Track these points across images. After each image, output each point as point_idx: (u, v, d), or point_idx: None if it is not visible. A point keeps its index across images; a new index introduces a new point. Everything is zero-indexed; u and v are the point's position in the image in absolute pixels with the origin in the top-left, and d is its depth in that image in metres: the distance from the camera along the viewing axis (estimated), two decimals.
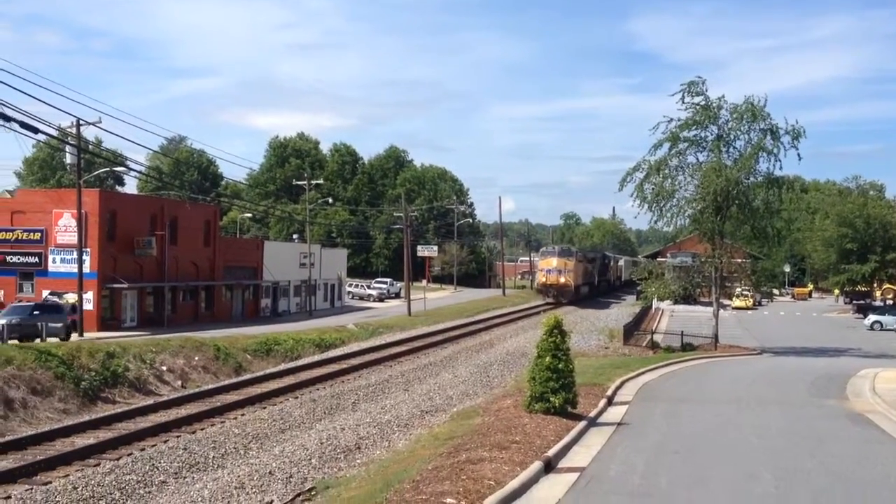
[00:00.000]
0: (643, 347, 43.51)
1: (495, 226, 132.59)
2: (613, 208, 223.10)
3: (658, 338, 46.16)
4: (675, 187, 42.59)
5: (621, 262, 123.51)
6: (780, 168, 42.42)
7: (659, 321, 62.00)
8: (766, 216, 43.35)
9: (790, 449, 15.66)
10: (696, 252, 50.02)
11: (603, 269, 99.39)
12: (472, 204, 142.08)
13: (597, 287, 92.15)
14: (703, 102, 41.67)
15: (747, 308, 79.17)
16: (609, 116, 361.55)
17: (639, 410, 20.26)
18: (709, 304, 47.36)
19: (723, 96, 42.08)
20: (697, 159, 42.95)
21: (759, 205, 43.11)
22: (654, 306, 68.76)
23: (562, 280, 74.04)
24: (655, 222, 44.07)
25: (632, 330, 48.60)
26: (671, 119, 41.86)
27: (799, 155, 41.78)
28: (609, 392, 22.51)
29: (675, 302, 63.95)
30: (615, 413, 19.77)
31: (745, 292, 74.55)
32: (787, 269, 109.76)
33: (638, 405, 21.17)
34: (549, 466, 13.50)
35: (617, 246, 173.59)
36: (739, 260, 47.59)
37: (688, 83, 41.80)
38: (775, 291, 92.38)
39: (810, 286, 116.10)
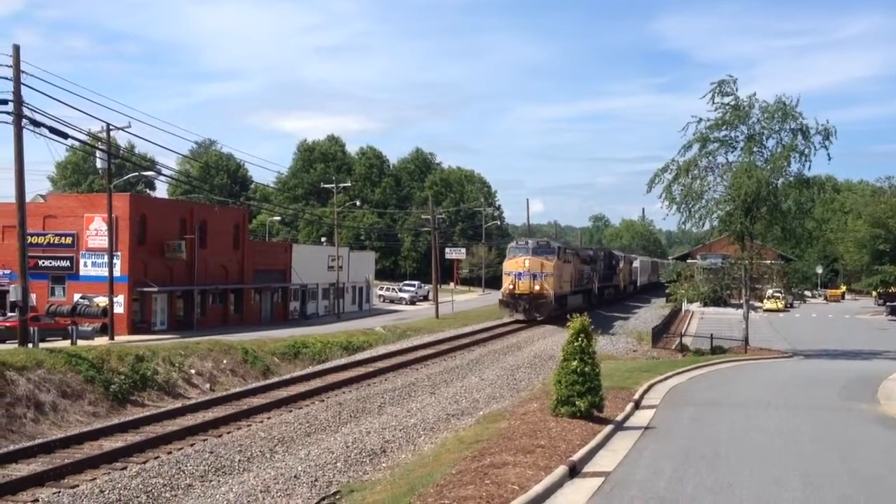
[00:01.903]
0: (672, 350, 43.24)
1: (523, 228, 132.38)
2: (643, 210, 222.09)
3: (687, 340, 45.85)
4: (704, 188, 42.28)
5: (636, 264, 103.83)
6: (810, 168, 42.05)
7: (688, 324, 61.54)
8: (798, 217, 42.91)
9: (819, 454, 15.42)
10: (727, 254, 49.62)
11: (608, 272, 79.00)
12: (499, 206, 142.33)
13: (598, 296, 72.22)
14: (733, 102, 41.31)
15: (778, 310, 78.31)
16: (636, 117, 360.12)
17: (666, 414, 20.05)
18: (739, 306, 46.91)
19: (754, 94, 41.69)
20: (727, 160, 42.63)
21: (791, 206, 42.70)
22: (683, 308, 68.26)
23: (536, 287, 53.34)
24: (684, 223, 43.76)
25: (660, 332, 48.32)
26: (700, 119, 41.59)
27: (829, 155, 41.42)
28: (636, 396, 22.31)
29: (705, 304, 63.61)
30: (642, 417, 19.58)
31: (776, 294, 73.84)
32: (819, 270, 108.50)
33: (666, 409, 20.96)
34: (574, 471, 13.38)
35: (646, 248, 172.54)
36: (770, 261, 47.16)
37: (718, 83, 41.45)
38: (807, 293, 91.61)
39: (843, 288, 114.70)
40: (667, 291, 61.19)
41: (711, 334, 43.88)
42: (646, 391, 23.89)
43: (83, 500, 15.22)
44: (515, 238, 63.14)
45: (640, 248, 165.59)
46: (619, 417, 18.65)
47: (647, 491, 12.26)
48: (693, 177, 42.22)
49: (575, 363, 17.41)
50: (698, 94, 42.36)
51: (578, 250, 69.97)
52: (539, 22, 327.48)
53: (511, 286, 54.22)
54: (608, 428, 17.07)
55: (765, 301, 75.38)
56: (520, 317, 54.37)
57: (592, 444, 15.30)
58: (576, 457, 13.98)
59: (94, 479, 16.54)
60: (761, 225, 43.26)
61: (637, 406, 21.07)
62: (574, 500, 11.74)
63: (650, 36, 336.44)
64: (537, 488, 11.86)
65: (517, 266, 54.39)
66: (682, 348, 42.99)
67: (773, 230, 44.15)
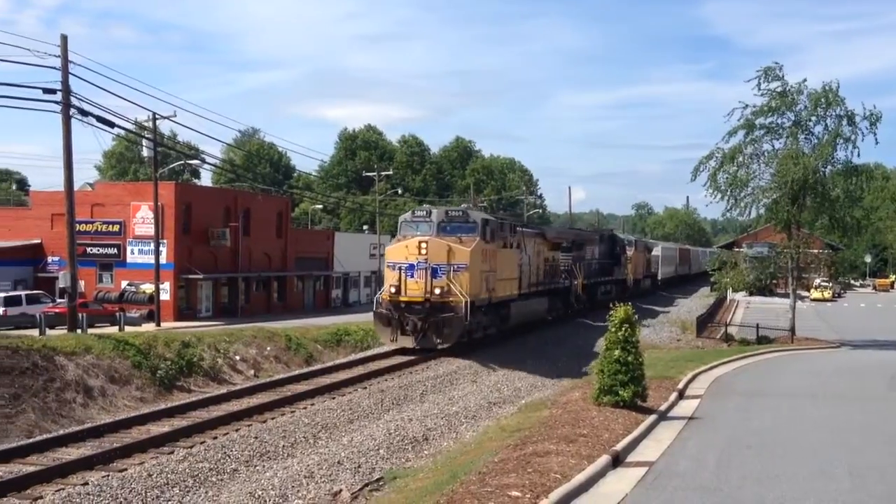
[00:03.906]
0: (717, 340, 42.85)
1: (566, 216, 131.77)
2: (687, 198, 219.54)
3: (733, 330, 45.38)
4: (749, 176, 41.77)
5: (657, 251, 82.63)
6: (858, 155, 41.32)
7: (734, 313, 60.85)
8: (846, 206, 42.23)
9: (867, 445, 15.20)
10: (773, 242, 48.96)
11: (607, 262, 56.26)
12: (541, 194, 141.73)
13: (585, 297, 49.11)
14: (779, 88, 40.76)
15: (826, 300, 77.12)
16: (680, 104, 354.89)
17: (711, 404, 19.90)
18: (786, 295, 46.28)
19: (804, 81, 41.07)
20: (773, 147, 42.06)
21: (839, 194, 42.03)
22: (728, 298, 67.49)
23: (436, 291, 30.40)
24: (729, 211, 43.27)
25: (705, 322, 47.82)
26: (746, 105, 41.04)
27: (876, 140, 40.68)
28: (680, 385, 22.15)
29: (751, 293, 62.80)
30: (686, 407, 19.46)
31: (823, 283, 72.78)
32: (868, 259, 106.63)
33: (710, 399, 20.79)
34: (617, 460, 13.34)
35: (690, 236, 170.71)
36: (817, 250, 46.46)
37: (764, 69, 40.94)
38: (854, 282, 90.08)
39: (892, 277, 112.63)
40: (711, 280, 60.31)
41: (757, 324, 43.42)
42: (690, 381, 23.71)
43: (132, 483, 15.47)
44: (416, 210, 35.39)
45: (684, 236, 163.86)
46: (663, 407, 18.54)
47: (692, 481, 12.18)
48: (738, 164, 41.75)
49: (618, 352, 17.35)
50: (743, 81, 41.66)
51: (545, 230, 47.12)
52: (580, 8, 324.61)
53: (394, 288, 30.89)
54: (652, 417, 16.98)
55: (812, 290, 74.33)
56: (407, 343, 31.16)
57: (636, 433, 15.24)
58: (619, 446, 13.94)
59: (143, 462, 16.80)
60: (808, 213, 42.65)
61: (681, 396, 20.93)
62: (617, 490, 11.70)
63: (694, 21, 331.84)
64: (580, 477, 11.85)
65: (407, 253, 31.12)
66: (728, 338, 42.56)
67: (821, 219, 43.51)
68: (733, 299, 68.56)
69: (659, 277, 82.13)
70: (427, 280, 30.53)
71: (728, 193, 41.64)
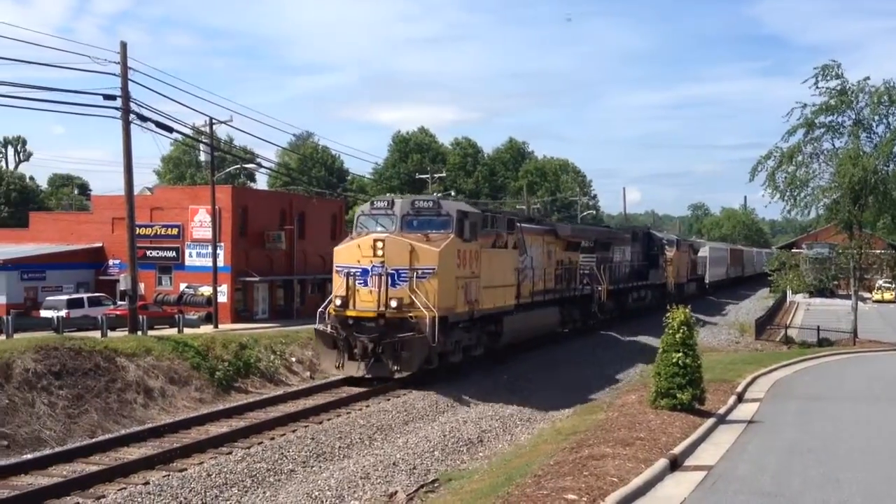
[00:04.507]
0: (776, 342, 42.20)
1: (620, 217, 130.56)
2: (745, 198, 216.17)
3: (792, 332, 44.64)
4: (809, 176, 41.04)
5: (704, 252, 76.99)
6: None
7: (794, 315, 59.77)
8: None
9: None
10: (834, 243, 48.02)
11: (641, 264, 51.58)
12: (595, 196, 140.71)
13: (613, 305, 44.76)
14: (838, 87, 39.96)
15: (889, 301, 75.39)
16: (736, 103, 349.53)
17: (771, 408, 19.57)
18: (847, 297, 45.36)
19: (866, 78, 40.20)
20: (834, 146, 41.26)
21: None
22: (788, 299, 66.32)
23: (392, 303, 24.11)
24: (788, 212, 42.58)
25: (764, 324, 47.12)
26: (805, 104, 40.33)
27: None
28: (739, 388, 21.83)
29: (812, 295, 61.64)
30: (746, 410, 19.16)
31: (886, 284, 71.21)
32: None
33: (770, 402, 20.45)
34: (675, 464, 13.19)
35: (748, 237, 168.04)
36: (879, 251, 45.50)
37: (821, 67, 40.13)
38: None
39: None
40: (769, 279, 59.12)
41: (818, 326, 42.62)
42: (749, 384, 23.35)
43: (192, 483, 15.70)
44: (373, 198, 32.33)
45: (742, 237, 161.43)
46: (722, 410, 18.29)
47: (752, 485, 11.99)
48: (797, 164, 41.04)
49: (676, 355, 17.14)
50: (801, 79, 40.97)
51: (557, 226, 39.25)
52: (632, 8, 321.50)
53: (339, 300, 25.20)
54: (710, 421, 16.76)
55: (874, 292, 72.76)
56: (354, 371, 25.36)
57: (694, 437, 15.06)
58: (677, 450, 13.78)
59: (202, 462, 17.05)
60: (870, 213, 41.76)
61: (740, 399, 20.62)
62: (676, 494, 11.57)
63: (748, 19, 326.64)
64: (637, 481, 11.73)
65: (360, 254, 25.08)
66: (787, 340, 41.92)
67: (883, 219, 42.60)
68: (793, 301, 67.34)
69: (707, 281, 76.35)
70: (382, 289, 24.27)
71: (787, 193, 40.99)
